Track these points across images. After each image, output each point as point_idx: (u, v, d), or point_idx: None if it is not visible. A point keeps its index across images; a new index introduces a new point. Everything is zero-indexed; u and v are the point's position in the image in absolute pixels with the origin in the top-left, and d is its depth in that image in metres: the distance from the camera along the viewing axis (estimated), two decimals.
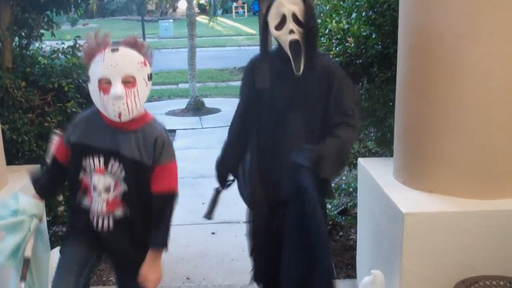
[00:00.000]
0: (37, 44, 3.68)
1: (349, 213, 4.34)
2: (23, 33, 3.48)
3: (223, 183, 2.74)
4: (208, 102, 9.70)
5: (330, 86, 2.44)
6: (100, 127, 2.16)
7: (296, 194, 2.29)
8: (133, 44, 2.12)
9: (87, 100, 3.08)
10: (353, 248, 3.55)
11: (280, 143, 2.49)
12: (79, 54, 3.46)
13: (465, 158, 2.39)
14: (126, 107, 2.05)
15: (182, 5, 23.42)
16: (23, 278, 2.18)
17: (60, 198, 3.43)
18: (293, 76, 2.39)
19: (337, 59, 3.52)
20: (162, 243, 2.21)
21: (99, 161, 2.13)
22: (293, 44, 2.36)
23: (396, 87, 2.72)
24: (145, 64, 2.11)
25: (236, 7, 30.05)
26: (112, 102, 2.03)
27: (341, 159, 2.46)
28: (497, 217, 2.33)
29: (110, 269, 3.51)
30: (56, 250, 2.58)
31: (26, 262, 2.20)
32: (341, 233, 4.04)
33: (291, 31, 2.35)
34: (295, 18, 2.35)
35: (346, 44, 3.59)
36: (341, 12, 3.90)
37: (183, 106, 9.50)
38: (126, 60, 2.07)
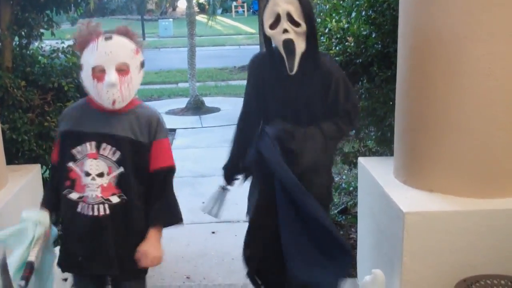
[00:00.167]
0: (37, 44, 3.67)
1: (349, 212, 4.34)
2: (23, 33, 3.48)
3: (230, 181, 2.79)
4: (208, 101, 9.71)
5: (328, 86, 2.44)
6: (90, 114, 2.19)
7: (256, 161, 2.43)
8: (125, 33, 2.16)
9: None
10: (353, 247, 3.55)
11: None
12: (78, 52, 3.46)
13: (466, 157, 2.39)
14: (120, 94, 2.10)
15: (181, 4, 23.45)
16: (23, 278, 2.05)
17: None
18: (290, 76, 2.40)
19: (337, 58, 3.52)
20: (169, 219, 2.27)
21: (91, 145, 2.14)
22: (287, 43, 2.36)
23: (396, 86, 2.72)
24: (137, 52, 2.16)
25: (236, 6, 30.06)
26: (106, 90, 2.08)
27: (315, 147, 2.45)
28: (498, 216, 2.33)
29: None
30: (56, 249, 2.58)
31: (29, 265, 2.06)
32: (341, 232, 4.04)
33: (285, 31, 2.35)
34: (289, 17, 2.34)
35: (346, 43, 3.59)
36: (341, 11, 3.90)
37: (183, 105, 9.50)
38: (120, 48, 2.10)
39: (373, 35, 3.43)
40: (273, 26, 2.38)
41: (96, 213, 2.14)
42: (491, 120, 2.35)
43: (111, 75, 2.07)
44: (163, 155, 2.23)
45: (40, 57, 3.57)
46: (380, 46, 3.38)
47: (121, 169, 2.14)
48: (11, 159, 3.11)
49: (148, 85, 11.48)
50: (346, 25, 3.74)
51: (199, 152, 6.71)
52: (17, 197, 2.71)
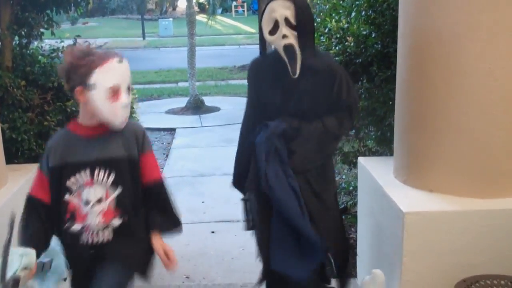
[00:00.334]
0: (36, 43, 3.67)
1: (349, 212, 4.33)
2: (23, 32, 3.48)
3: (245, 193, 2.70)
4: (208, 101, 9.71)
5: (332, 84, 2.44)
6: (77, 142, 2.17)
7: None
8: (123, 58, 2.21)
9: None
10: (353, 247, 3.55)
11: None
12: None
13: (466, 157, 2.39)
14: (128, 113, 2.16)
15: (181, 4, 23.45)
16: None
17: None
18: (292, 79, 2.40)
19: (336, 58, 3.52)
20: (170, 224, 2.28)
21: (86, 173, 2.13)
22: (287, 48, 2.36)
23: (396, 86, 2.72)
24: None
25: (236, 6, 30.05)
26: (122, 110, 2.11)
27: (316, 141, 2.46)
28: (498, 216, 2.33)
29: None
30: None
31: (16, 281, 1.93)
32: None
33: (284, 36, 2.35)
34: (287, 22, 2.35)
35: (346, 43, 3.59)
36: (340, 11, 3.90)
37: (183, 105, 9.50)
38: (127, 71, 2.16)
39: (373, 35, 3.43)
40: (272, 32, 2.39)
41: (100, 240, 2.15)
42: (491, 120, 2.35)
43: (126, 96, 2.13)
44: (152, 168, 2.27)
45: (40, 57, 3.57)
46: (379, 46, 3.37)
47: (118, 190, 2.15)
48: (10, 159, 3.11)
49: (148, 85, 11.49)
50: (345, 25, 3.73)
51: (198, 152, 6.72)
52: (16, 196, 2.70)
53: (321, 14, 4.17)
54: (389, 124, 3.36)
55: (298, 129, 2.43)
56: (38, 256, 2.07)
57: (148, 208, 2.24)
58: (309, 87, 2.44)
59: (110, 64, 2.09)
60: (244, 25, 24.49)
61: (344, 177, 5.03)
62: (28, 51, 3.54)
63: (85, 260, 2.17)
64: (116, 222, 2.16)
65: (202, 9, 21.65)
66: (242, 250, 3.76)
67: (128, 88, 2.15)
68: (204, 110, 9.26)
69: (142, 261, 2.26)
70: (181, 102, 9.76)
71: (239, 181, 2.68)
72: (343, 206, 4.43)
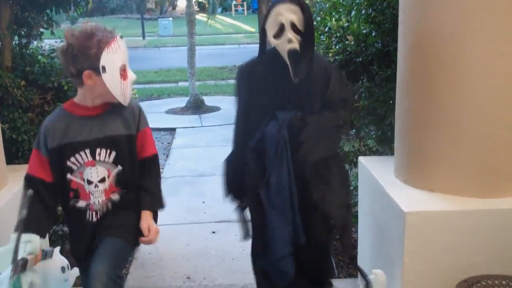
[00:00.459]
0: (36, 43, 3.67)
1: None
2: (22, 32, 3.48)
3: (241, 199, 2.65)
4: (208, 100, 9.69)
5: (327, 82, 2.46)
6: (76, 122, 2.15)
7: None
8: None
9: None
10: (354, 247, 3.54)
11: None
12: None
13: (467, 157, 2.39)
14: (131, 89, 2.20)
15: (181, 3, 23.44)
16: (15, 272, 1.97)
17: None
18: (292, 83, 2.39)
19: (337, 57, 3.52)
20: (158, 204, 2.31)
21: (86, 154, 2.13)
22: (292, 53, 2.35)
23: (397, 85, 2.71)
24: None
25: (236, 5, 30.04)
26: (130, 87, 2.14)
27: (322, 131, 2.46)
28: (499, 216, 2.32)
29: None
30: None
31: (25, 262, 1.99)
32: None
33: (290, 40, 2.34)
34: (293, 27, 2.34)
35: (346, 42, 3.58)
36: (340, 10, 3.89)
37: (183, 105, 9.49)
38: (125, 46, 2.16)
39: (373, 34, 3.42)
40: (277, 35, 2.37)
41: (100, 215, 2.19)
42: (492, 119, 2.34)
43: (131, 72, 2.15)
44: (148, 144, 2.28)
45: (40, 57, 3.57)
46: (380, 44, 3.37)
47: (119, 168, 2.16)
48: (11, 159, 3.11)
49: (148, 84, 11.47)
50: (346, 24, 3.73)
51: (199, 151, 6.71)
52: (17, 197, 2.69)
53: (321, 12, 4.16)
54: (389, 124, 3.36)
55: (305, 119, 2.41)
56: (43, 237, 2.13)
57: (140, 183, 2.26)
58: (307, 89, 2.43)
59: (115, 43, 2.07)
60: (244, 24, 24.48)
61: None
62: (28, 51, 3.54)
63: (89, 236, 2.20)
64: (115, 196, 2.19)
65: (202, 8, 21.66)
66: (242, 250, 3.75)
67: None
68: (204, 110, 9.25)
69: (136, 233, 2.26)
70: (181, 101, 9.74)
71: (235, 190, 2.63)
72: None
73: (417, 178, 2.55)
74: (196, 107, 9.31)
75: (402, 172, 2.67)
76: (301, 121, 2.41)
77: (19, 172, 2.93)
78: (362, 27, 3.54)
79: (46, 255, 2.14)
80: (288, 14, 2.33)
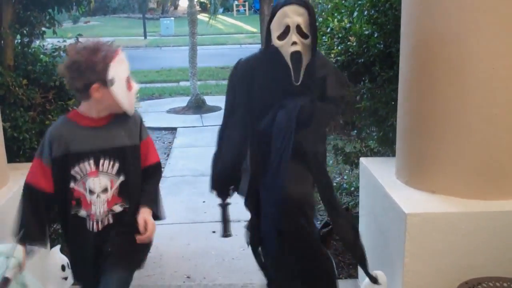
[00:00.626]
0: (38, 42, 3.67)
1: (350, 213, 4.32)
2: (24, 31, 3.48)
3: (225, 197, 2.68)
4: (209, 100, 9.69)
5: (325, 77, 2.47)
6: (81, 131, 2.18)
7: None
8: None
9: None
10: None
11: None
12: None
13: (468, 159, 2.38)
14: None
15: (183, 3, 23.44)
16: None
17: None
18: (291, 84, 2.39)
19: (338, 58, 3.52)
20: (156, 205, 2.30)
21: (90, 164, 2.14)
22: (295, 55, 2.35)
23: (399, 87, 2.71)
24: None
25: (237, 5, 30.04)
26: (134, 97, 2.18)
27: (324, 116, 2.51)
28: (501, 218, 2.32)
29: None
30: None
31: (6, 281, 2.01)
32: None
33: (294, 43, 2.34)
34: (299, 29, 2.33)
35: (348, 43, 3.58)
36: (343, 10, 3.89)
37: (184, 104, 9.49)
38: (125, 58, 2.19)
39: (375, 35, 3.42)
40: (281, 37, 2.36)
41: (101, 226, 2.18)
42: (494, 121, 2.34)
43: (134, 82, 2.18)
44: (151, 153, 2.32)
45: (41, 56, 3.57)
46: (382, 45, 3.36)
47: (121, 178, 2.16)
48: (12, 157, 3.11)
49: (150, 84, 11.47)
50: (348, 25, 3.73)
51: (200, 151, 6.70)
52: (18, 195, 2.69)
53: (323, 13, 4.16)
54: (391, 125, 3.35)
55: (311, 108, 2.41)
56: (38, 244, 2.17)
57: (144, 187, 2.27)
58: (307, 89, 2.43)
59: (119, 55, 2.11)
60: (245, 25, 24.47)
61: (345, 177, 5.02)
62: (30, 50, 3.54)
63: (89, 247, 2.20)
64: (117, 208, 2.19)
65: (203, 8, 21.64)
66: (242, 250, 3.74)
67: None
68: (205, 110, 9.25)
69: (143, 256, 2.31)
70: (183, 101, 9.75)
71: (220, 186, 2.64)
72: (344, 206, 4.42)
73: (419, 180, 2.55)
74: (197, 106, 9.31)
75: (403, 173, 2.66)
76: (310, 109, 2.40)
77: (20, 171, 2.93)
78: (364, 28, 3.53)
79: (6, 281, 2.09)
80: (294, 16, 2.33)
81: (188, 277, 3.55)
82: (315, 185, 2.50)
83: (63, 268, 2.49)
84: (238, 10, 30.03)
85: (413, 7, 2.52)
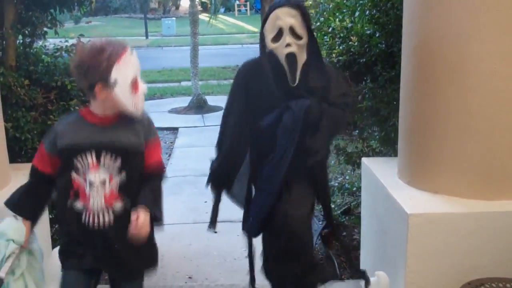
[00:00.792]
0: (40, 42, 3.67)
1: (352, 213, 4.32)
2: (26, 31, 3.48)
3: (219, 195, 2.76)
4: (211, 100, 9.70)
5: (329, 83, 2.45)
6: (88, 128, 2.20)
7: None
8: None
9: None
10: (356, 248, 3.54)
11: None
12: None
13: (471, 159, 2.38)
14: (144, 99, 2.22)
15: (184, 3, 23.46)
16: None
17: None
18: (289, 87, 2.39)
19: (340, 58, 3.52)
20: (152, 204, 2.24)
21: (91, 157, 2.15)
22: (289, 57, 2.35)
23: (400, 86, 2.70)
24: None
25: (239, 5, 30.05)
26: (141, 98, 2.17)
27: (332, 119, 2.46)
28: (503, 218, 2.31)
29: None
30: (56, 250, 2.57)
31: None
32: (344, 233, 4.03)
33: (288, 45, 2.34)
34: (292, 31, 2.33)
35: (350, 42, 3.58)
36: (344, 10, 3.89)
37: (186, 104, 9.50)
38: (137, 59, 2.20)
39: (377, 35, 3.42)
40: (275, 39, 2.37)
41: (100, 222, 2.16)
42: (496, 121, 2.33)
43: (142, 83, 2.18)
44: (155, 153, 2.30)
45: (43, 56, 3.57)
46: (384, 45, 3.36)
47: (123, 175, 2.16)
48: (14, 158, 3.11)
49: (151, 84, 11.47)
50: (349, 24, 3.73)
51: (201, 151, 6.69)
52: None
53: (325, 13, 4.16)
54: (393, 125, 3.35)
55: (322, 109, 2.40)
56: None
57: (143, 188, 2.24)
58: (305, 91, 2.42)
59: (125, 57, 2.11)
60: (246, 24, 24.47)
61: (347, 177, 5.02)
62: (31, 50, 3.55)
63: (85, 241, 2.19)
64: (118, 206, 2.17)
65: (205, 8, 21.66)
66: (244, 250, 3.74)
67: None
68: (207, 110, 9.26)
69: (151, 264, 2.37)
70: (184, 101, 9.75)
71: (217, 181, 2.70)
72: (346, 207, 4.42)
73: (421, 180, 2.55)
74: (199, 106, 9.32)
75: (405, 173, 2.66)
76: (318, 107, 2.39)
77: (22, 171, 2.93)
78: (366, 28, 3.53)
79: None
80: (287, 18, 2.33)
81: (190, 277, 3.55)
82: (314, 186, 2.51)
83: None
84: (239, 10, 30.04)
85: (415, 7, 2.51)
